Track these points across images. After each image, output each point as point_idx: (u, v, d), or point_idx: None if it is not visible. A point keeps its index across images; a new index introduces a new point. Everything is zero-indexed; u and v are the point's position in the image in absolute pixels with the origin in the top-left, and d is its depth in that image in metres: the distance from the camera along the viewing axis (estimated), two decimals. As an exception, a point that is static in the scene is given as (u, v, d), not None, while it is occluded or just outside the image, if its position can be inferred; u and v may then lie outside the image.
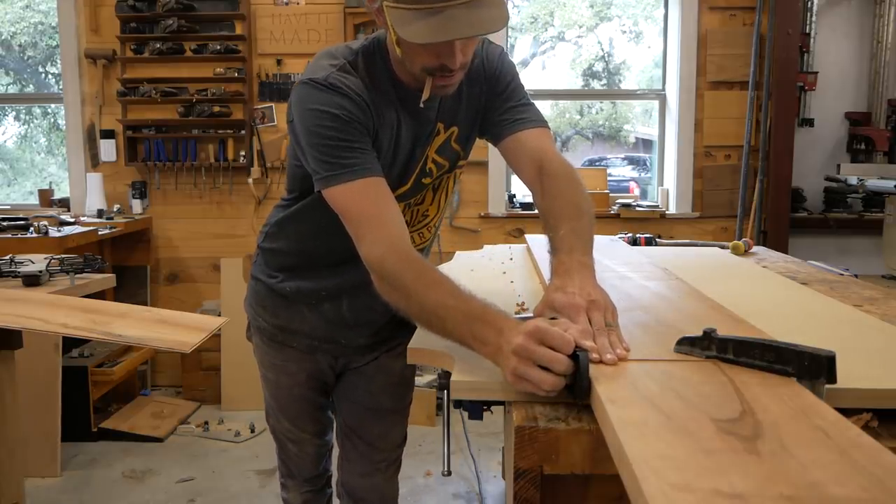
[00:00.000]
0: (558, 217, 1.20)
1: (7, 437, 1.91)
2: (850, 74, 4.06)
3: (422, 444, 3.32)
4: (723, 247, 2.26)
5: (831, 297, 1.47)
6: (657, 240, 2.38)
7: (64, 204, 4.14)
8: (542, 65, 4.95)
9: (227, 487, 2.94)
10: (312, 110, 1.20)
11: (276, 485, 1.80)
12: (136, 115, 3.99)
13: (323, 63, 1.25)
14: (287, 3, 3.94)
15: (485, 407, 0.97)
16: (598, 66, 4.93)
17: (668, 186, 4.17)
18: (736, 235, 3.89)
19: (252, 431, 3.44)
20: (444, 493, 2.90)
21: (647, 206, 4.08)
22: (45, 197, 4.19)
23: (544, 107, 4.69)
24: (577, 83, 4.85)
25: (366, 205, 1.18)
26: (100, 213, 3.86)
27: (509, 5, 4.26)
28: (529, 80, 4.67)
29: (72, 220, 3.68)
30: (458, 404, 0.97)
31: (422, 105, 1.27)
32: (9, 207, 4.25)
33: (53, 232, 3.20)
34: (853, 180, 3.51)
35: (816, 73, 3.97)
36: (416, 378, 3.55)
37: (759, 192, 3.89)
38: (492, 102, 1.38)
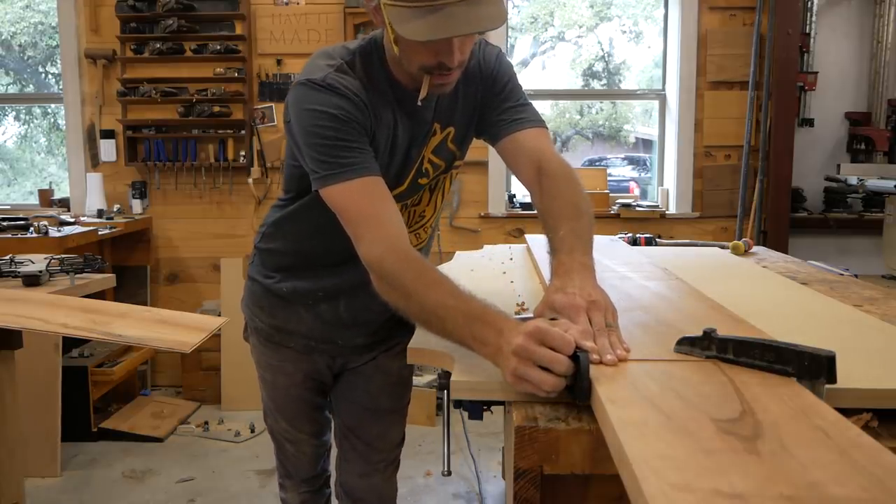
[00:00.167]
0: (557, 217, 1.20)
1: (7, 437, 1.91)
2: (850, 74, 4.06)
3: (422, 444, 3.32)
4: (723, 247, 2.26)
5: (831, 297, 1.47)
6: (657, 240, 2.38)
7: (64, 204, 4.14)
8: (542, 65, 4.95)
9: (227, 487, 2.94)
10: (310, 110, 1.20)
11: (276, 485, 1.80)
12: (136, 115, 3.99)
13: (320, 63, 1.25)
14: (287, 3, 3.94)
15: (485, 407, 0.97)
16: (598, 66, 4.93)
17: (668, 186, 4.17)
18: (736, 235, 3.89)
19: (252, 431, 3.44)
20: (444, 493, 2.90)
21: (647, 206, 4.08)
22: (45, 197, 4.19)
23: (544, 107, 4.69)
24: (577, 83, 4.85)
25: (364, 204, 1.18)
26: (100, 213, 3.86)
27: (509, 5, 4.27)
28: (529, 80, 4.67)
29: (72, 220, 3.68)
30: (458, 404, 0.97)
31: (419, 103, 1.27)
32: (9, 207, 4.25)
33: (53, 232, 3.20)
34: (853, 180, 3.51)
35: (816, 73, 3.97)
36: (416, 378, 3.57)
37: (759, 192, 3.89)
38: (489, 103, 1.38)
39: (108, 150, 4.04)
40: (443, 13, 1.07)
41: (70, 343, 3.39)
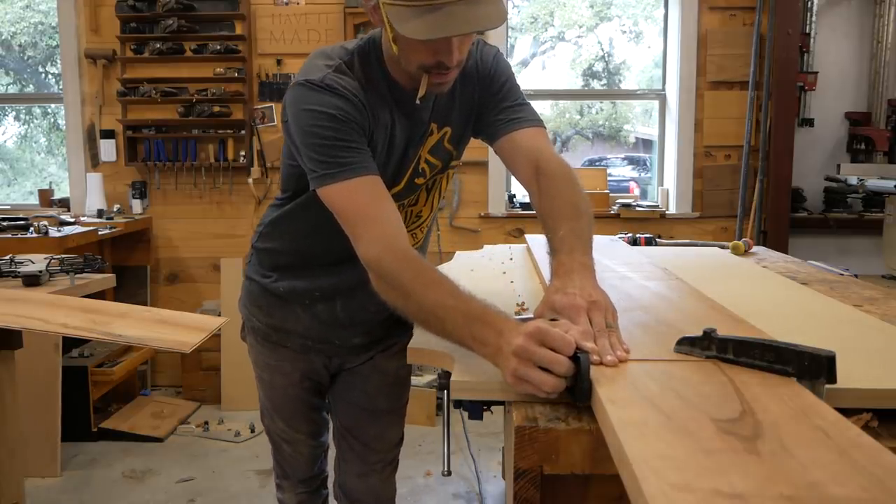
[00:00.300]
0: (557, 218, 1.19)
1: (7, 437, 1.91)
2: (850, 74, 4.06)
3: (422, 444, 3.32)
4: (723, 247, 2.26)
5: (831, 297, 1.47)
6: (657, 240, 2.38)
7: (64, 204, 4.14)
8: (542, 65, 4.95)
9: (227, 487, 2.94)
10: (309, 111, 1.20)
11: (275, 485, 1.80)
12: (136, 115, 3.99)
13: (318, 63, 1.25)
14: (287, 3, 3.94)
15: (485, 407, 0.97)
16: (598, 66, 4.93)
17: (668, 186, 4.17)
18: (736, 235, 3.89)
19: (252, 431, 3.44)
20: (444, 493, 2.90)
21: (647, 206, 4.08)
22: (45, 197, 4.19)
23: (544, 107, 4.69)
24: (577, 83, 4.85)
25: (362, 203, 1.18)
26: (100, 213, 3.86)
27: (509, 5, 4.27)
28: (529, 80, 4.68)
29: (72, 220, 3.68)
30: (458, 404, 0.97)
31: (418, 101, 1.27)
32: (9, 207, 4.25)
33: (53, 232, 3.21)
34: (853, 180, 3.51)
35: (816, 73, 3.97)
36: (416, 378, 3.57)
37: (759, 192, 3.89)
38: (486, 103, 1.38)
39: (108, 150, 4.04)
40: (442, 12, 1.07)
41: (70, 343, 3.39)
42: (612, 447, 0.72)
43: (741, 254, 2.15)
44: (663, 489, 0.57)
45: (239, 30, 3.95)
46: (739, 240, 2.23)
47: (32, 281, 1.97)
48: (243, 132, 3.96)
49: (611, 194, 4.16)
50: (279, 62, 3.97)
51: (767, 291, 1.55)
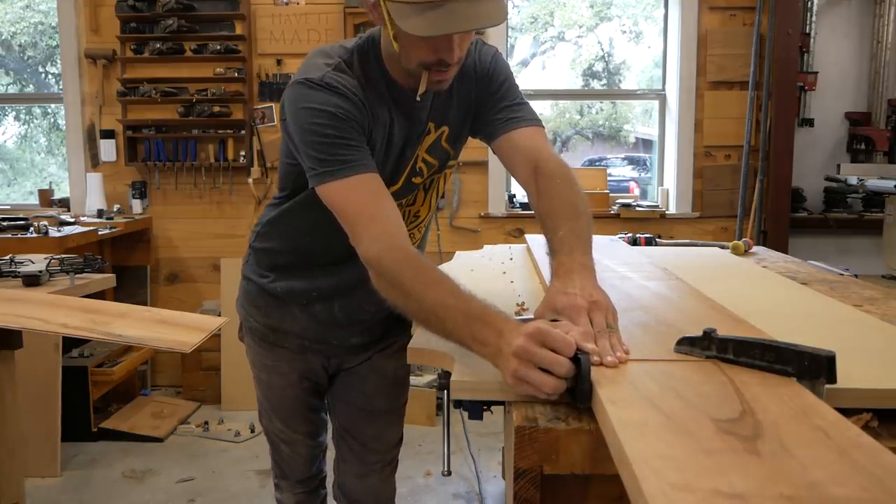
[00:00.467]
0: (556, 218, 1.19)
1: (7, 437, 1.91)
2: (850, 74, 4.06)
3: (422, 444, 3.32)
4: (723, 247, 2.26)
5: (831, 297, 1.47)
6: (657, 240, 2.38)
7: (64, 204, 4.14)
8: (542, 65, 4.95)
9: (227, 487, 2.94)
10: (308, 109, 1.19)
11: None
12: (136, 115, 3.99)
13: (318, 62, 1.25)
14: (287, 3, 3.94)
15: (485, 407, 0.97)
16: (598, 66, 4.93)
17: (668, 186, 4.17)
18: (736, 235, 3.89)
19: (252, 431, 3.44)
20: (444, 493, 2.90)
21: (647, 206, 4.08)
22: (45, 197, 4.19)
23: (544, 107, 4.69)
24: (577, 83, 4.85)
25: (362, 201, 1.17)
26: (100, 213, 3.86)
27: (509, 5, 4.27)
28: (529, 80, 4.68)
29: (72, 220, 3.68)
30: (458, 404, 0.97)
31: (418, 98, 1.27)
32: (9, 207, 4.25)
33: (53, 232, 3.20)
34: (853, 180, 3.51)
35: (816, 73, 3.97)
36: (416, 378, 3.57)
37: (759, 192, 3.89)
38: (484, 102, 1.38)
39: (108, 150, 4.04)
40: (444, 9, 1.07)
41: (70, 343, 3.39)
42: (612, 447, 0.72)
43: (741, 254, 2.15)
44: (663, 489, 0.57)
45: (239, 30, 3.95)
46: (739, 240, 2.23)
47: (32, 281, 1.97)
48: (243, 132, 3.96)
49: (611, 194, 4.16)
50: (279, 62, 3.97)
51: (767, 291, 1.55)
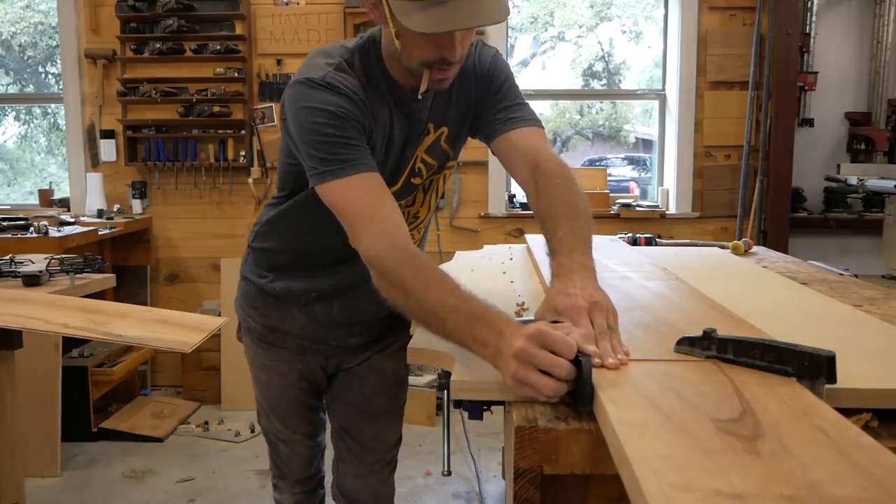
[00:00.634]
0: (555, 218, 1.18)
1: (7, 437, 1.91)
2: (850, 74, 4.06)
3: (422, 444, 3.32)
4: (723, 247, 2.26)
5: (831, 297, 1.47)
6: (657, 240, 2.38)
7: (64, 204, 4.14)
8: (542, 65, 4.95)
9: (227, 487, 2.94)
10: (309, 108, 1.19)
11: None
12: (136, 115, 3.99)
13: (319, 62, 1.24)
14: (287, 3, 3.94)
15: (485, 407, 0.96)
16: (598, 66, 4.93)
17: (668, 186, 4.17)
18: (736, 235, 3.89)
19: (252, 431, 3.44)
20: (444, 493, 2.90)
21: (647, 206, 4.08)
22: (45, 197, 4.19)
23: (544, 107, 4.69)
24: (577, 83, 4.85)
25: (363, 200, 1.17)
26: (100, 213, 3.86)
27: (509, 5, 4.25)
28: (529, 80, 4.68)
29: (72, 220, 3.68)
30: (458, 404, 0.97)
31: (420, 97, 1.27)
32: (9, 207, 4.25)
33: (53, 232, 3.20)
34: (853, 180, 3.51)
35: (816, 73, 3.97)
36: (416, 378, 3.57)
37: (759, 192, 3.89)
38: (484, 103, 1.38)
39: (108, 150, 4.04)
40: (446, 6, 1.07)
41: (70, 343, 3.39)
42: (612, 447, 0.72)
43: (741, 254, 2.15)
44: (663, 489, 0.57)
45: (239, 30, 3.95)
46: (739, 240, 2.23)
47: (32, 281, 1.97)
48: (243, 132, 3.96)
49: (611, 194, 4.16)
50: (279, 62, 3.97)
51: (767, 291, 1.55)
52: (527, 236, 2.14)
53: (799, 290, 1.56)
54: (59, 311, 1.70)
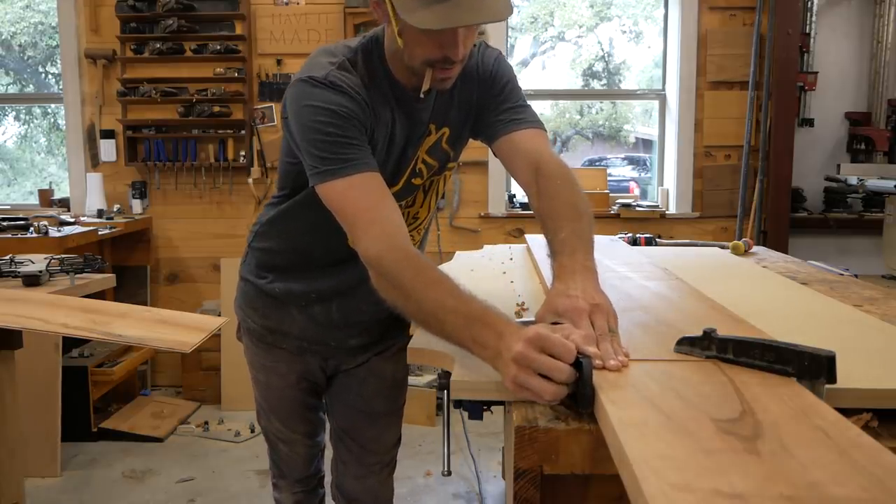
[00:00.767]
0: (557, 219, 1.18)
1: (7, 437, 1.91)
2: (850, 74, 4.06)
3: (422, 444, 3.32)
4: (723, 247, 2.26)
5: (831, 297, 1.47)
6: (657, 240, 2.38)
7: (64, 204, 4.14)
8: (542, 65, 4.95)
9: (227, 487, 2.94)
10: (312, 107, 1.19)
11: (275, 485, 1.80)
12: (136, 115, 3.99)
13: (322, 61, 1.24)
14: (287, 3, 3.94)
15: (485, 407, 0.96)
16: (598, 66, 4.93)
17: (668, 186, 4.17)
18: (736, 235, 3.89)
19: (252, 431, 3.44)
20: (444, 493, 2.90)
21: (647, 206, 4.08)
22: (45, 197, 4.19)
23: (544, 107, 4.69)
24: (577, 83, 4.85)
25: (363, 200, 1.17)
26: (100, 213, 3.86)
27: (511, 3, 4.24)
28: (529, 80, 4.68)
29: (72, 220, 3.68)
30: (458, 404, 0.97)
31: (422, 95, 1.27)
32: (9, 207, 4.25)
33: (53, 232, 3.20)
34: (853, 180, 3.51)
35: (816, 73, 3.97)
36: (415, 378, 3.57)
37: (759, 192, 3.90)
38: (486, 104, 1.38)
39: (108, 150, 4.04)
40: (450, 3, 1.07)
41: (70, 343, 3.39)
42: (612, 447, 0.72)
43: (741, 254, 2.15)
44: (663, 489, 0.57)
45: (239, 30, 3.95)
46: (739, 240, 2.23)
47: (32, 281, 1.97)
48: (243, 132, 3.96)
49: (611, 194, 4.16)
50: (279, 62, 3.97)
51: (767, 291, 1.55)
52: (527, 236, 2.14)
53: (799, 290, 1.56)
54: (59, 311, 1.70)
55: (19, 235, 3.11)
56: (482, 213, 4.05)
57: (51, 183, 4.45)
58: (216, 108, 3.89)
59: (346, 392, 1.63)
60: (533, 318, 1.04)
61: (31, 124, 5.23)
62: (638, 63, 4.72)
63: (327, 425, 1.72)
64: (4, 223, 3.21)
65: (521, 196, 4.16)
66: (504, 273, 1.76)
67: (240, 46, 3.90)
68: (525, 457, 0.82)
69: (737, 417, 0.72)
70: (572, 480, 0.84)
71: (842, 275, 1.81)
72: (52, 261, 2.07)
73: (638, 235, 2.35)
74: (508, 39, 4.25)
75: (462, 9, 1.08)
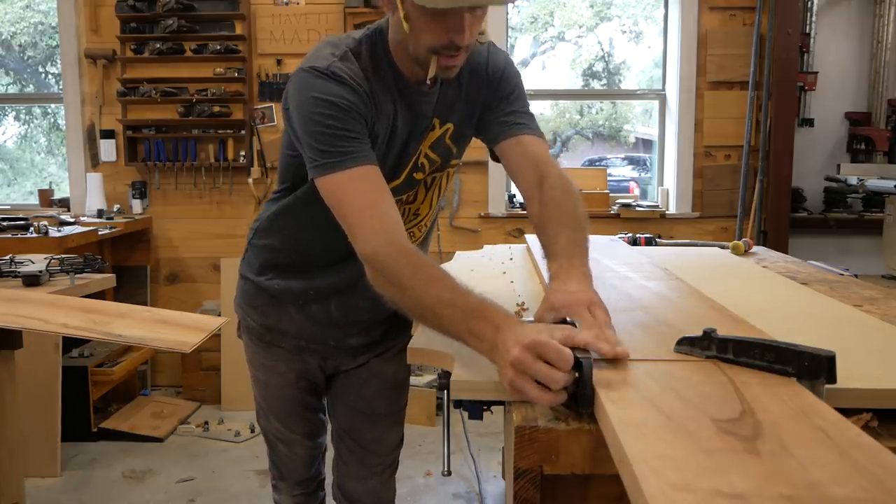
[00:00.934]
0: (558, 226, 1.20)
1: (7, 437, 1.91)
2: (850, 74, 4.06)
3: (422, 444, 3.32)
4: (723, 247, 2.26)
5: (831, 297, 1.47)
6: (657, 240, 2.38)
7: (64, 204, 4.14)
8: (542, 65, 4.95)
9: (227, 487, 2.94)
10: (312, 98, 1.19)
11: (276, 485, 1.79)
12: (136, 115, 3.99)
13: (325, 52, 1.24)
14: (287, 3, 3.94)
15: (485, 407, 0.97)
16: (598, 66, 4.93)
17: (668, 186, 4.17)
18: (736, 235, 3.89)
19: (252, 431, 3.44)
20: (444, 493, 2.90)
21: (647, 206, 4.08)
22: (45, 197, 4.19)
23: (544, 107, 4.69)
24: (577, 83, 4.85)
25: (361, 194, 1.17)
26: (100, 213, 3.86)
27: (509, 5, 4.27)
28: (529, 80, 4.67)
29: (72, 220, 3.68)
30: (458, 404, 0.97)
31: (428, 81, 1.26)
32: (9, 207, 4.25)
33: (53, 232, 3.20)
34: (853, 180, 3.51)
35: (816, 73, 3.97)
36: (416, 378, 3.57)
37: (759, 192, 3.89)
38: (493, 105, 1.38)
39: (108, 150, 4.04)
40: None
41: (70, 343, 3.39)
42: (612, 447, 0.72)
43: (741, 254, 2.15)
44: (663, 489, 0.57)
45: (239, 30, 3.95)
46: (739, 240, 2.23)
47: (32, 281, 1.97)
48: (243, 132, 3.96)
49: (611, 194, 4.16)
50: (279, 62, 3.97)
51: (767, 291, 1.55)
52: (527, 236, 2.14)
53: (799, 290, 1.56)
54: (59, 311, 1.70)
55: (19, 235, 3.11)
56: (482, 213, 4.05)
57: (51, 183, 4.45)
58: (216, 108, 3.89)
59: (347, 393, 1.62)
60: (532, 319, 1.04)
61: (31, 124, 5.23)
62: (638, 63, 4.72)
63: (328, 427, 1.71)
64: (4, 223, 3.21)
65: (521, 196, 4.15)
66: (504, 273, 1.76)
67: (240, 46, 3.90)
68: (525, 457, 0.82)
69: (737, 417, 0.72)
70: (572, 480, 0.84)
71: (842, 275, 1.81)
72: (52, 261, 2.07)
73: (638, 235, 2.35)
74: (508, 39, 4.25)
75: None
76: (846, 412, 0.77)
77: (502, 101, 1.38)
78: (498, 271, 1.79)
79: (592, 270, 1.13)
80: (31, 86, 4.85)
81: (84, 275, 2.09)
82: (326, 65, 1.20)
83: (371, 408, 1.63)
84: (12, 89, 4.76)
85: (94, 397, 3.35)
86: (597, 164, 5.27)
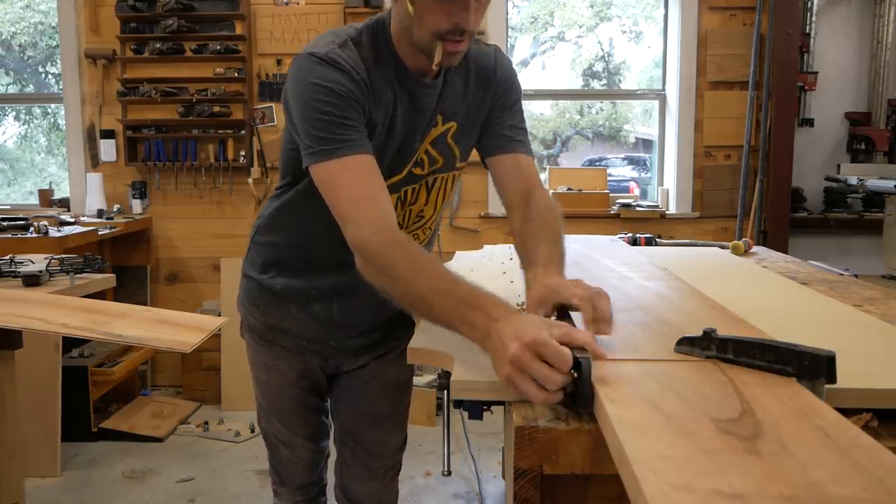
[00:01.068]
0: (539, 238, 1.24)
1: (7, 437, 1.91)
2: (850, 74, 4.06)
3: (422, 444, 3.32)
4: (723, 247, 2.26)
5: (831, 297, 1.47)
6: (657, 240, 2.38)
7: (64, 204, 4.14)
8: (542, 65, 4.95)
9: (227, 487, 2.94)
10: (311, 84, 1.19)
11: (276, 485, 1.79)
12: (136, 115, 3.99)
13: (325, 40, 1.24)
14: (287, 3, 3.94)
15: (485, 407, 0.97)
16: (598, 66, 4.93)
17: (668, 186, 4.17)
18: (736, 235, 3.89)
19: (252, 431, 3.44)
20: (444, 493, 2.90)
21: (647, 206, 4.08)
22: (45, 197, 4.20)
23: (544, 107, 4.69)
24: (577, 83, 4.85)
25: (355, 182, 1.17)
26: (100, 213, 3.86)
27: (509, 5, 4.27)
28: (529, 80, 4.67)
29: (72, 220, 3.68)
30: (458, 404, 0.97)
31: (434, 67, 1.26)
32: (9, 207, 4.26)
33: (53, 232, 3.20)
34: (853, 180, 3.51)
35: (816, 73, 3.97)
36: (416, 378, 3.56)
37: (759, 192, 3.90)
38: (496, 112, 1.40)
39: (108, 150, 4.04)
40: None
41: (70, 343, 3.39)
42: (612, 447, 0.72)
43: (741, 254, 2.15)
44: (663, 489, 0.57)
45: (239, 30, 3.95)
46: (739, 240, 2.23)
47: (32, 281, 1.96)
48: (243, 132, 3.96)
49: (611, 194, 4.16)
50: (279, 62, 3.97)
51: (767, 291, 1.55)
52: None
53: (799, 290, 1.56)
54: (59, 311, 1.70)
55: (19, 235, 3.11)
56: (482, 213, 4.05)
57: (51, 183, 4.45)
58: (216, 108, 3.89)
59: (349, 394, 1.62)
60: None
61: (31, 124, 5.23)
62: (638, 63, 4.72)
63: (331, 431, 1.70)
64: (4, 223, 3.21)
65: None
66: (504, 273, 1.76)
67: (240, 46, 3.90)
68: (525, 457, 0.82)
69: (737, 417, 0.72)
70: (572, 480, 0.84)
71: (842, 275, 1.82)
72: (52, 261, 2.07)
73: (638, 235, 2.35)
74: (508, 39, 4.25)
75: None
76: (846, 412, 0.77)
77: (506, 113, 1.40)
78: (498, 271, 1.79)
79: (592, 270, 1.14)
80: (31, 86, 4.85)
81: (84, 275, 2.09)
82: (325, 51, 1.20)
83: (373, 410, 1.62)
84: (12, 89, 4.76)
85: (94, 397, 3.35)
86: (597, 164, 5.26)
